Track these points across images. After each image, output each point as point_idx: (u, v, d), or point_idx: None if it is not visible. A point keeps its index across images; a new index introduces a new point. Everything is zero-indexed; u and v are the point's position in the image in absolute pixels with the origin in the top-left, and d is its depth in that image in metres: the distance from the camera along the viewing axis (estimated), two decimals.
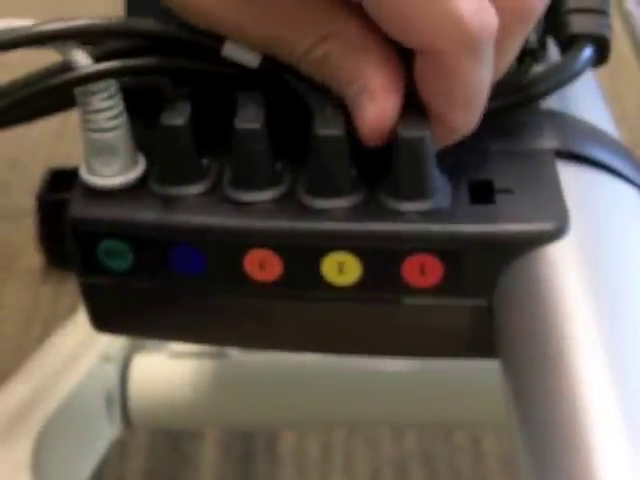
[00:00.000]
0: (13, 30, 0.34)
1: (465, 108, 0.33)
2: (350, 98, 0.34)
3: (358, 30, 0.33)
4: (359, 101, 0.33)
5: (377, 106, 0.33)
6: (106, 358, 0.68)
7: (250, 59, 0.35)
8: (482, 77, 0.33)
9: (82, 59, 0.34)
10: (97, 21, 0.35)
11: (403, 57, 0.34)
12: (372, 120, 0.33)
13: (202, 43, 0.35)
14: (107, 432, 0.68)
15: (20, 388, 0.65)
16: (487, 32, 0.31)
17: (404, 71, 0.34)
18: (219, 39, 0.35)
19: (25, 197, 1.06)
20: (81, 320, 0.70)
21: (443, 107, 0.33)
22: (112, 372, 0.68)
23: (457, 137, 0.34)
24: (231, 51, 0.35)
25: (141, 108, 0.37)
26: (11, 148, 1.20)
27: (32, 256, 1.04)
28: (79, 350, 0.68)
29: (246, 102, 0.35)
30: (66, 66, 0.35)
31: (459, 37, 0.31)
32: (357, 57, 0.33)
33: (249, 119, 0.34)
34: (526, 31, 0.34)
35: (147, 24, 0.35)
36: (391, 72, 0.33)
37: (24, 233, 1.05)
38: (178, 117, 0.35)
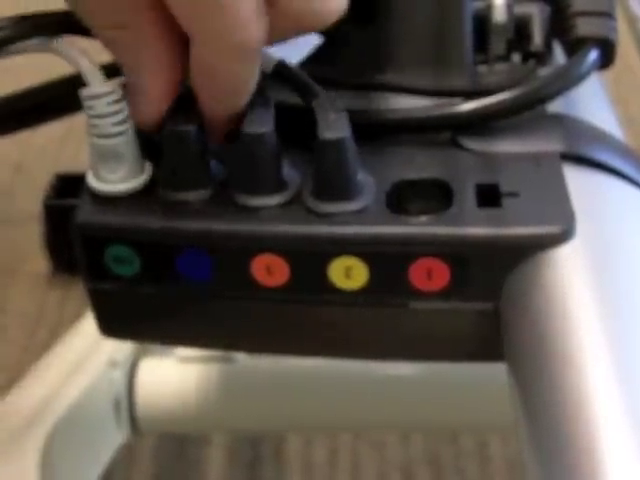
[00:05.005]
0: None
1: (223, 100, 0.35)
2: (129, 85, 0.35)
3: (150, 27, 0.33)
4: (134, 94, 0.35)
5: (148, 107, 0.35)
6: (113, 363, 0.68)
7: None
8: (243, 75, 0.34)
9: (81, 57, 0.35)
10: None
11: None
12: (141, 117, 0.35)
13: None
14: (114, 437, 0.68)
15: (27, 394, 0.65)
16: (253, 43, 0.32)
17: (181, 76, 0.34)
18: None
19: (30, 202, 1.06)
20: (88, 326, 0.70)
21: (205, 97, 0.34)
22: (119, 377, 0.68)
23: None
24: None
25: None
26: (16, 153, 1.20)
27: (37, 261, 1.04)
28: (86, 356, 0.68)
29: (254, 105, 0.35)
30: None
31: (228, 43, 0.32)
32: (139, 54, 0.34)
33: (258, 123, 0.34)
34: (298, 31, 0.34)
35: None
36: (169, 76, 0.34)
37: (29, 238, 1.05)
38: (185, 122, 0.35)
